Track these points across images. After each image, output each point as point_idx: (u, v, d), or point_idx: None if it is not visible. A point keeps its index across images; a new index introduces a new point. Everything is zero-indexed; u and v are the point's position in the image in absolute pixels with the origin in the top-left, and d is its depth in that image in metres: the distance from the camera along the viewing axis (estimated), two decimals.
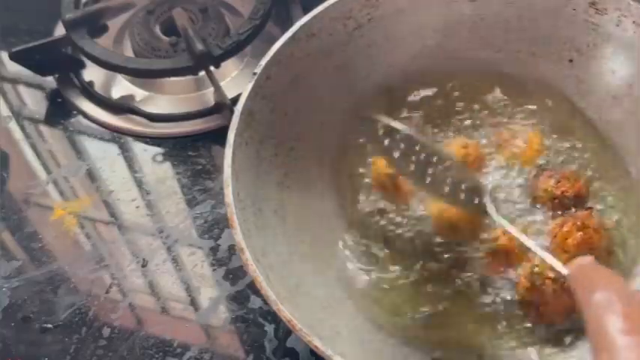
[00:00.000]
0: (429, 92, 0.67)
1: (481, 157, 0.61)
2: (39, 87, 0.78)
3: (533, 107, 0.65)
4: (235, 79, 0.77)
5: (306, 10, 0.66)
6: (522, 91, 0.66)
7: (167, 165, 0.70)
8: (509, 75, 0.66)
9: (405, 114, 0.66)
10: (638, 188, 0.59)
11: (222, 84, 0.73)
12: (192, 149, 0.71)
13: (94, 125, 0.74)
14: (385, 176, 0.60)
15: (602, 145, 0.62)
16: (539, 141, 0.62)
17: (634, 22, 0.59)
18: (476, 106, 0.66)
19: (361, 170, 0.63)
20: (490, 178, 0.60)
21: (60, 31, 0.79)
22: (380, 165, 0.60)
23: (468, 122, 0.65)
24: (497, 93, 0.66)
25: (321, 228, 0.60)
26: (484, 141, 0.63)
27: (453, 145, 0.61)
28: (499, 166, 0.61)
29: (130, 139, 0.73)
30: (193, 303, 0.61)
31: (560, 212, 0.57)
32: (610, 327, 0.37)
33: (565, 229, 0.55)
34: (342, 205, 0.61)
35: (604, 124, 0.62)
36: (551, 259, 0.47)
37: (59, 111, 0.76)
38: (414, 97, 0.67)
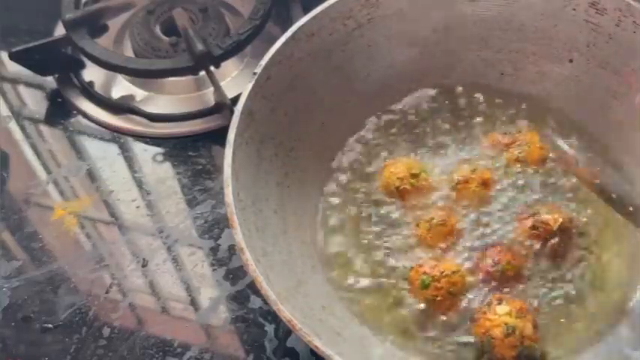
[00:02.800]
0: (428, 92, 0.67)
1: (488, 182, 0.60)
2: (39, 87, 0.78)
3: (533, 109, 0.65)
4: (235, 79, 0.77)
5: (306, 10, 0.66)
6: (522, 92, 0.66)
7: (167, 165, 0.70)
8: (508, 76, 0.66)
9: (405, 114, 0.66)
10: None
11: (222, 84, 0.73)
12: (193, 149, 0.71)
13: (94, 125, 0.74)
14: (398, 181, 0.60)
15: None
16: (538, 140, 0.62)
17: (634, 22, 0.59)
18: (475, 108, 0.66)
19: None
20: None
21: (60, 31, 0.79)
22: (394, 169, 0.60)
23: (467, 124, 0.65)
24: (498, 94, 0.66)
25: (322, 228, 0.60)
26: (484, 144, 0.63)
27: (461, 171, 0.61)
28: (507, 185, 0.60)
29: (130, 139, 0.73)
30: (193, 303, 0.61)
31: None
32: None
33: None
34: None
35: (604, 124, 0.63)
36: None
37: (59, 111, 0.76)
38: (413, 97, 0.67)
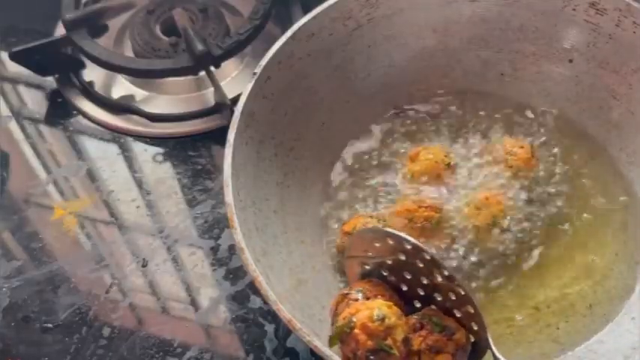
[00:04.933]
0: (428, 93, 0.67)
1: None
2: (39, 87, 0.78)
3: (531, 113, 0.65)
4: (235, 79, 0.77)
5: (306, 10, 0.66)
6: (522, 93, 0.66)
7: (167, 165, 0.70)
8: (508, 76, 0.66)
9: (404, 115, 0.66)
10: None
11: (222, 84, 0.73)
12: (193, 149, 0.71)
13: (94, 125, 0.74)
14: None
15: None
16: (528, 152, 0.61)
17: (634, 22, 0.59)
18: (475, 109, 0.66)
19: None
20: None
21: (60, 31, 0.79)
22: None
23: (465, 126, 0.65)
24: (497, 95, 0.66)
25: (321, 228, 0.60)
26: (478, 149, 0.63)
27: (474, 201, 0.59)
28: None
29: (130, 139, 0.73)
30: (193, 303, 0.61)
31: None
32: None
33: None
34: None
35: (604, 124, 0.63)
36: None
37: (59, 111, 0.76)
38: (413, 97, 0.67)
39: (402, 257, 0.49)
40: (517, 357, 0.53)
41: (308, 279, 0.55)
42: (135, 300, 0.62)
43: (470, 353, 0.49)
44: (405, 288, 0.51)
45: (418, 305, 0.50)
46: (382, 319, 0.46)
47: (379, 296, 0.49)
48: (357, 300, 0.49)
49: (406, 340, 0.47)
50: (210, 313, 0.61)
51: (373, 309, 0.46)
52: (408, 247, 0.48)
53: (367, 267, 0.52)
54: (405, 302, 0.51)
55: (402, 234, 0.49)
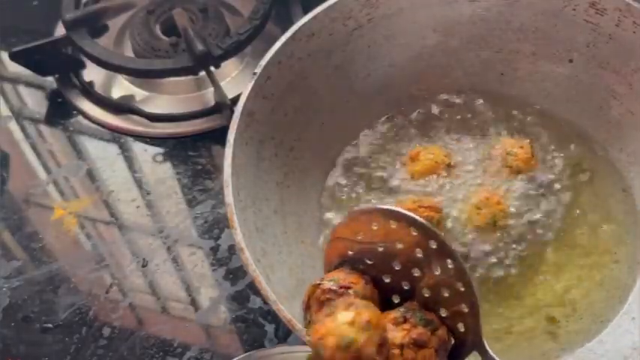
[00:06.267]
0: (429, 93, 0.67)
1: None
2: (39, 87, 0.78)
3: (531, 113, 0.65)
4: (235, 79, 0.77)
5: (306, 10, 0.66)
6: (521, 93, 0.66)
7: (167, 165, 0.70)
8: (508, 76, 0.66)
9: (404, 114, 0.66)
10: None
11: (222, 84, 0.73)
12: (193, 149, 0.71)
13: (94, 125, 0.74)
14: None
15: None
16: (528, 152, 0.61)
17: (634, 22, 0.59)
18: (474, 110, 0.66)
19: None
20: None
21: (60, 31, 0.79)
22: None
23: (465, 126, 0.65)
24: (497, 95, 0.66)
25: (321, 228, 0.60)
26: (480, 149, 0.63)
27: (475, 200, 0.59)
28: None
29: (130, 139, 0.73)
30: (193, 303, 0.61)
31: None
32: None
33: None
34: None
35: (604, 124, 0.63)
36: None
37: (59, 111, 0.76)
38: (414, 97, 0.67)
39: (400, 245, 0.46)
40: (516, 357, 0.53)
41: (308, 279, 0.55)
42: (135, 300, 0.62)
43: (449, 355, 0.47)
44: (387, 280, 0.48)
45: (396, 301, 0.48)
46: (349, 345, 0.41)
47: (353, 284, 0.46)
48: (330, 290, 0.45)
49: (381, 346, 0.42)
50: (210, 313, 0.61)
51: (341, 336, 0.41)
52: (414, 232, 0.45)
53: (350, 252, 0.46)
54: (383, 294, 0.46)
55: (413, 214, 0.44)
